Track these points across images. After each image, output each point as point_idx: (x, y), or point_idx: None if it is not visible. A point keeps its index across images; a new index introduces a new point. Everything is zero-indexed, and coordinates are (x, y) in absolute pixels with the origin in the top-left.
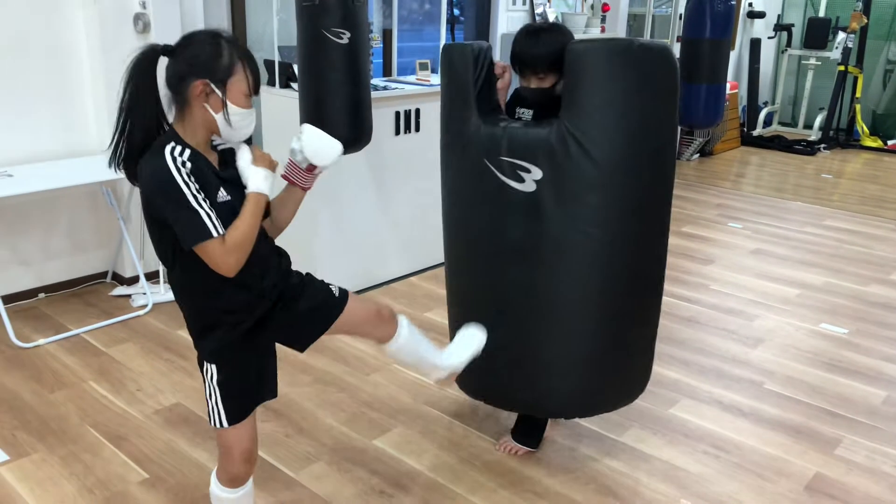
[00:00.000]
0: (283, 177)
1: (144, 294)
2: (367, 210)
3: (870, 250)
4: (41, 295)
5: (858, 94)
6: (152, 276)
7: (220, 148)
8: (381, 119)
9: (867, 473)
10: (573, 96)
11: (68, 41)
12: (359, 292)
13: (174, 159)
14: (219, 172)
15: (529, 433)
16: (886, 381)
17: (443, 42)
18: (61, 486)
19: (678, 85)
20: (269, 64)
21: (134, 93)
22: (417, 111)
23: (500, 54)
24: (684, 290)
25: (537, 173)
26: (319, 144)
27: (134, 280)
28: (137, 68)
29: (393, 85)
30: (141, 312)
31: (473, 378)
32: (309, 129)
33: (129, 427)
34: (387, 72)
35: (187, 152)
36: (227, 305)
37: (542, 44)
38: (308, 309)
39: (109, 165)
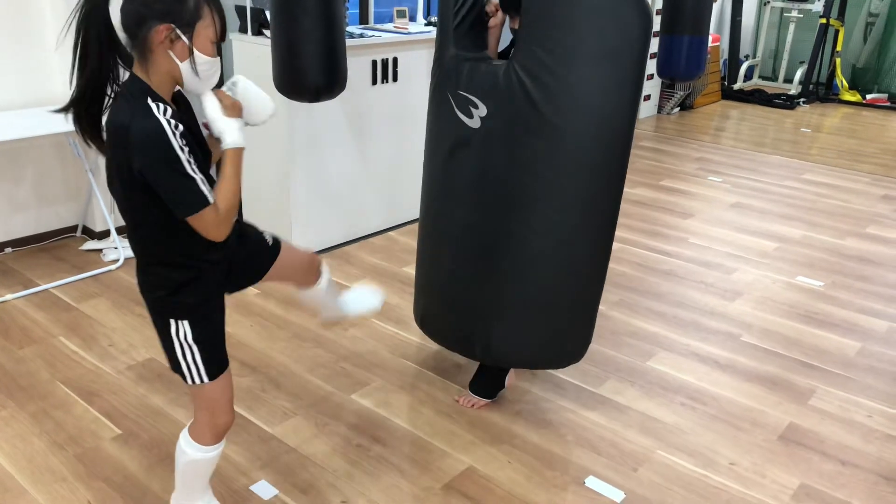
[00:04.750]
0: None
1: (116, 248)
2: (344, 163)
3: (847, 204)
4: (8, 249)
5: (839, 48)
6: (124, 231)
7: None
8: (358, 68)
9: (840, 423)
10: (522, 35)
11: None
12: (337, 247)
13: (168, 122)
14: (193, 128)
15: (485, 384)
16: (860, 332)
17: None
18: (31, 442)
19: (643, 34)
20: (240, 10)
21: (85, 39)
22: (395, 60)
23: None
24: (663, 244)
25: (483, 109)
26: (255, 100)
27: (105, 234)
28: (89, 7)
29: (370, 33)
30: (112, 267)
31: (429, 319)
32: (244, 82)
33: (102, 383)
34: (363, 19)
35: (170, 111)
36: (207, 259)
37: None
38: (248, 255)
39: (67, 118)
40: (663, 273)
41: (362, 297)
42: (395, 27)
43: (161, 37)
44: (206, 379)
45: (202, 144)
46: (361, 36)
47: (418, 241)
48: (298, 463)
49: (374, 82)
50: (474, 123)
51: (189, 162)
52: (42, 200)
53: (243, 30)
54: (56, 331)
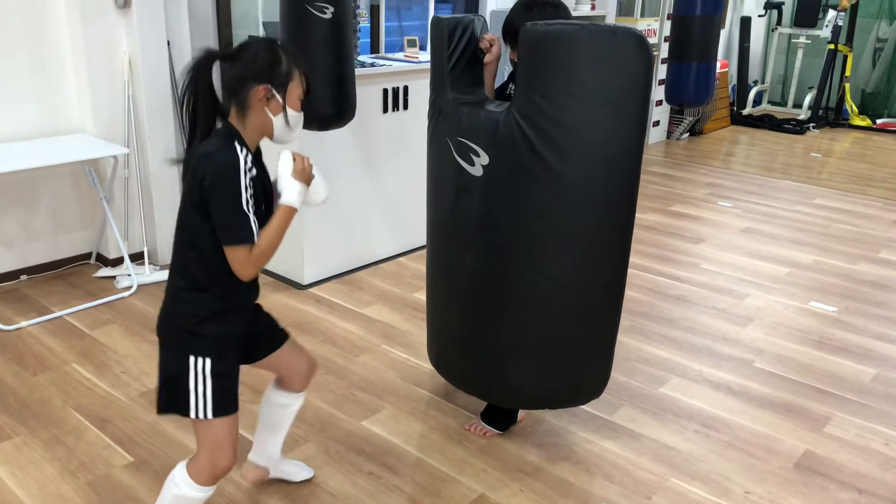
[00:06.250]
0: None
1: (129, 275)
2: (354, 189)
3: (859, 229)
4: (23, 276)
5: (848, 73)
6: (137, 258)
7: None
8: (369, 96)
9: (857, 451)
10: (520, 81)
11: (48, 17)
12: (346, 273)
13: (245, 162)
14: (266, 181)
15: (497, 416)
16: (875, 358)
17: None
18: (43, 469)
19: (645, 77)
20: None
21: (194, 95)
22: (406, 88)
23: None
24: (675, 269)
25: (484, 158)
26: (313, 185)
27: (118, 261)
28: (197, 72)
29: (380, 62)
30: (125, 294)
31: (444, 363)
32: (319, 178)
33: (114, 410)
34: (374, 49)
35: (250, 157)
36: (239, 298)
37: (533, 17)
38: (262, 330)
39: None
40: (675, 298)
41: (300, 466)
42: (405, 56)
43: (260, 95)
44: (210, 414)
45: (269, 197)
46: (372, 65)
47: (427, 284)
48: (310, 490)
49: (385, 110)
50: (476, 171)
51: (247, 201)
52: (57, 228)
53: None
54: (69, 357)
